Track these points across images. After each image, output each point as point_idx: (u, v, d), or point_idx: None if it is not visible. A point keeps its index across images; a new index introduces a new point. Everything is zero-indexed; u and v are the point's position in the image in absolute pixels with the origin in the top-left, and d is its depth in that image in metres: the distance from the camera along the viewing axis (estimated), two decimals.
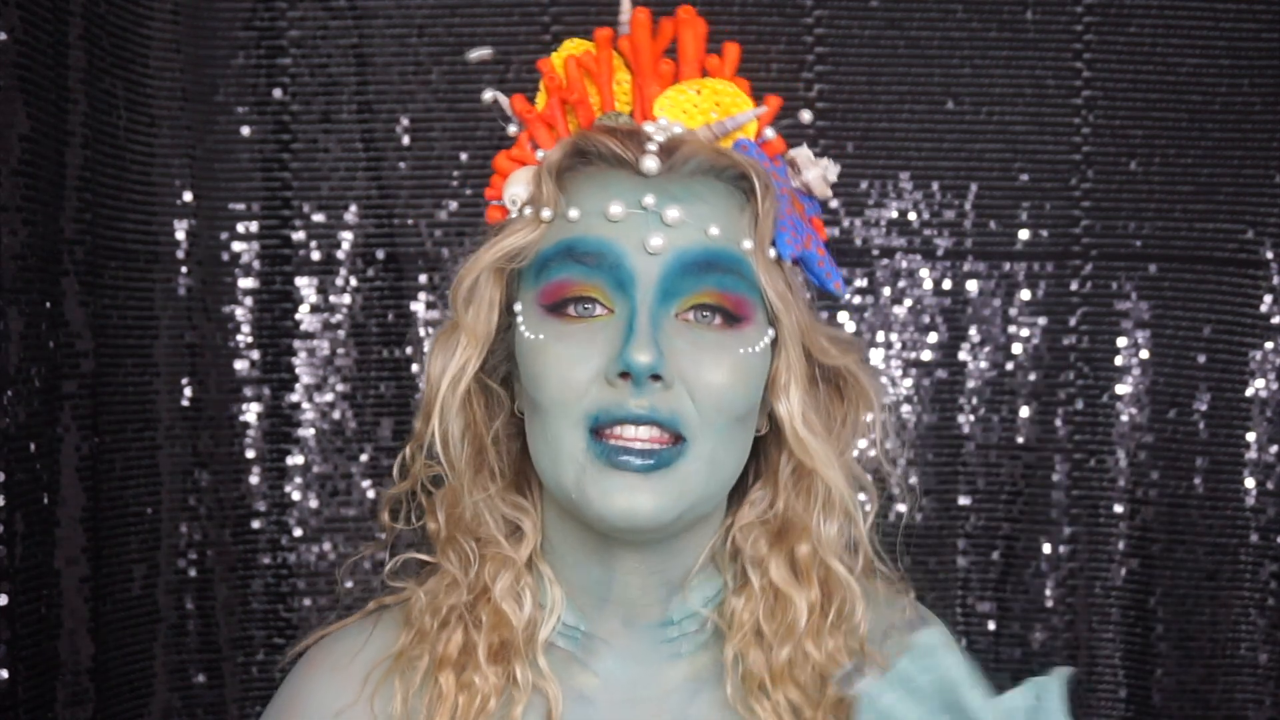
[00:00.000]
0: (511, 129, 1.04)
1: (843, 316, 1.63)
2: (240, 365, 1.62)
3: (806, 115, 1.04)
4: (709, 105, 1.00)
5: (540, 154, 1.00)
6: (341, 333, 1.63)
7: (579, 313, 0.93)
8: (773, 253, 0.96)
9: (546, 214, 0.95)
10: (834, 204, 1.63)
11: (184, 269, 1.59)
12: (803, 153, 1.03)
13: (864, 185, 1.62)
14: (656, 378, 0.90)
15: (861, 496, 1.02)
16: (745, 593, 1.00)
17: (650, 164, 0.94)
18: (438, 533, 1.02)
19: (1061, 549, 1.63)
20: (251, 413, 1.62)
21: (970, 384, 1.64)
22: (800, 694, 0.98)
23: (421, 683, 0.99)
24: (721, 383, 0.92)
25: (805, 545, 0.99)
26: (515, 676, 0.97)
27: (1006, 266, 1.63)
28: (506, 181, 1.00)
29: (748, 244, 0.95)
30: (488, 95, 1.04)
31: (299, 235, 1.62)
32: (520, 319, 0.96)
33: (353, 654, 1.02)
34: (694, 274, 0.92)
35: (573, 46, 1.04)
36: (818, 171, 1.02)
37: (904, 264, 1.63)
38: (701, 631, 1.01)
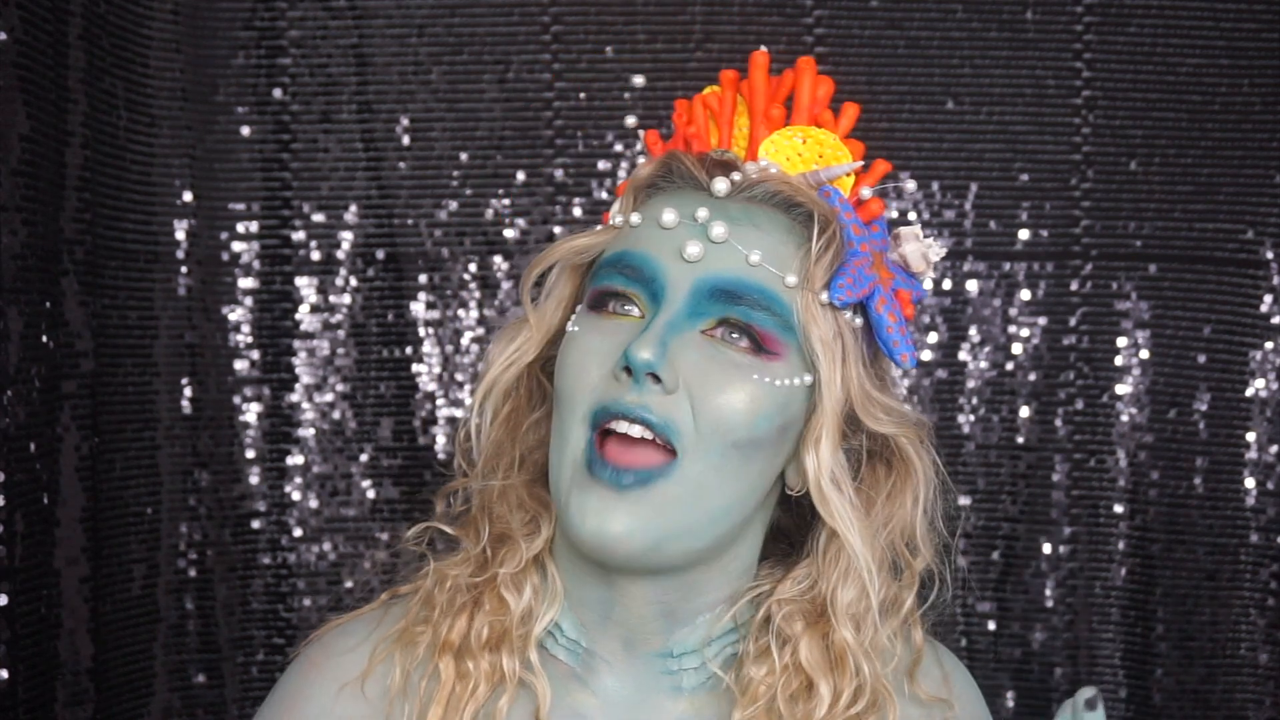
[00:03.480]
0: (642, 160, 1.06)
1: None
2: (240, 365, 1.62)
3: (911, 185, 1.05)
4: (813, 156, 1.01)
5: None
6: (341, 333, 1.63)
7: (615, 309, 0.95)
8: (825, 296, 0.94)
9: (618, 220, 0.99)
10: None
11: (184, 269, 1.59)
12: (909, 229, 1.02)
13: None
14: (657, 380, 0.90)
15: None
16: (766, 664, 0.97)
17: (720, 186, 0.95)
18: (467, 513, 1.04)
19: (1061, 549, 1.63)
20: (251, 413, 1.62)
21: (970, 384, 1.64)
22: None
23: (424, 657, 0.99)
24: (725, 401, 0.91)
25: (844, 632, 0.96)
26: (502, 667, 0.97)
27: (1006, 266, 1.63)
28: None
29: (792, 279, 0.93)
30: (630, 120, 1.13)
31: (299, 235, 1.62)
32: (573, 317, 0.98)
33: (364, 637, 1.02)
34: (721, 300, 0.92)
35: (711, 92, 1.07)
36: (916, 246, 1.00)
37: None
38: (702, 671, 0.99)
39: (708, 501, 0.92)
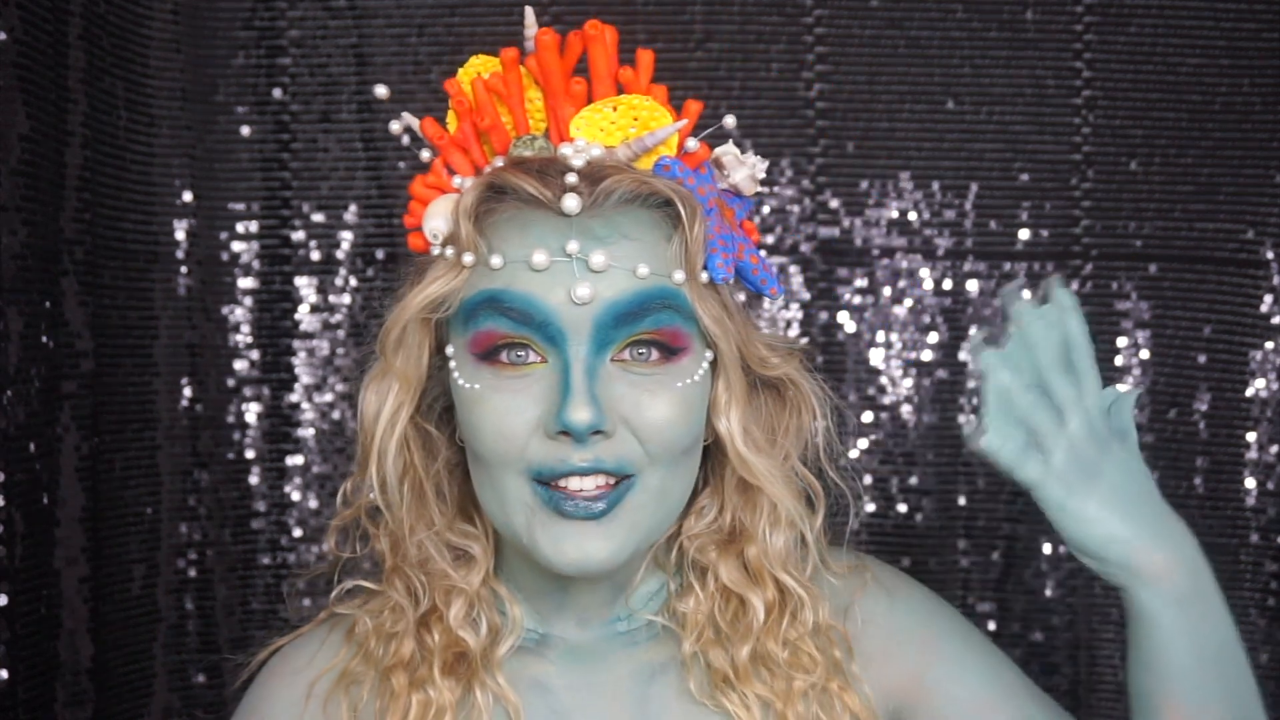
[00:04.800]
0: (425, 154, 1.02)
1: (843, 316, 1.63)
2: (240, 365, 1.62)
3: (730, 120, 1.00)
4: (627, 121, 0.96)
5: (457, 180, 0.98)
6: (341, 333, 1.63)
7: (512, 360, 0.92)
8: (705, 276, 0.94)
9: (468, 259, 0.93)
10: (834, 203, 1.63)
11: (184, 269, 1.59)
12: (728, 151, 0.99)
13: (864, 185, 1.62)
14: (598, 432, 0.90)
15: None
16: (692, 596, 1.01)
17: (571, 204, 0.91)
18: (384, 557, 1.02)
19: (1061, 549, 1.63)
20: (251, 413, 1.62)
21: (970, 384, 1.64)
22: (767, 689, 0.99)
23: (369, 695, 1.00)
24: (664, 420, 0.92)
25: (754, 547, 1.00)
26: (476, 698, 0.98)
27: (1006, 266, 1.63)
28: (426, 212, 0.97)
29: (679, 275, 0.93)
30: (395, 125, 1.02)
31: (299, 235, 1.62)
32: (453, 364, 0.95)
33: (310, 657, 1.04)
34: (626, 323, 0.91)
35: (480, 64, 1.00)
36: (745, 172, 0.98)
37: (904, 264, 1.63)
38: (650, 625, 1.02)
39: (669, 501, 0.96)
